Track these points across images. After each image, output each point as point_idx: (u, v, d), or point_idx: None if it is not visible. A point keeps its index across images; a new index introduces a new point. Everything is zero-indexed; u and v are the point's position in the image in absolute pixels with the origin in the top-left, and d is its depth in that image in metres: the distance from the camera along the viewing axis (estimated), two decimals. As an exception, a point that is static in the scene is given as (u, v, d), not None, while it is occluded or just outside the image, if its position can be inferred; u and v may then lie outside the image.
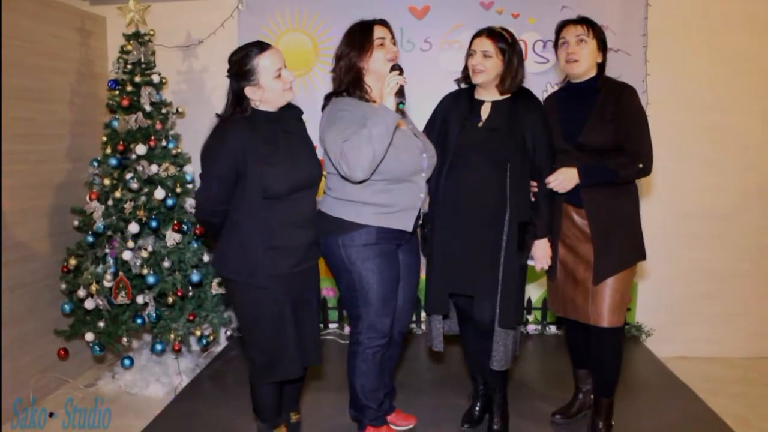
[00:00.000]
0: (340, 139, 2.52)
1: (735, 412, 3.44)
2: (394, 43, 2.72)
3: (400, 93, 2.53)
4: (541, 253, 2.79)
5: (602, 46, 2.80)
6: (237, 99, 2.47)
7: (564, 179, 2.72)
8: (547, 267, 2.82)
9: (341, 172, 2.55)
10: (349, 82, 2.68)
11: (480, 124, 2.80)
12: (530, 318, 4.49)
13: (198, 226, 3.79)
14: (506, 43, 2.72)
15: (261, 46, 2.46)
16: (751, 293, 4.41)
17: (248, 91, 2.45)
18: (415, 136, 2.75)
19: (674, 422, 3.13)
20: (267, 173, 2.41)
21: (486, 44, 2.72)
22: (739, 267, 4.39)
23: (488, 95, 2.83)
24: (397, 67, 2.56)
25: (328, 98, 2.73)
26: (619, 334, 2.83)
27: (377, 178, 2.60)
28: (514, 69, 2.73)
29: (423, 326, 4.41)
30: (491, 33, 2.73)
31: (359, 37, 2.67)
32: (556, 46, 2.86)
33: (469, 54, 2.78)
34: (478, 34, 2.77)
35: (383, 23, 2.71)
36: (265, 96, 2.47)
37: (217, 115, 2.53)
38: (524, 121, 2.72)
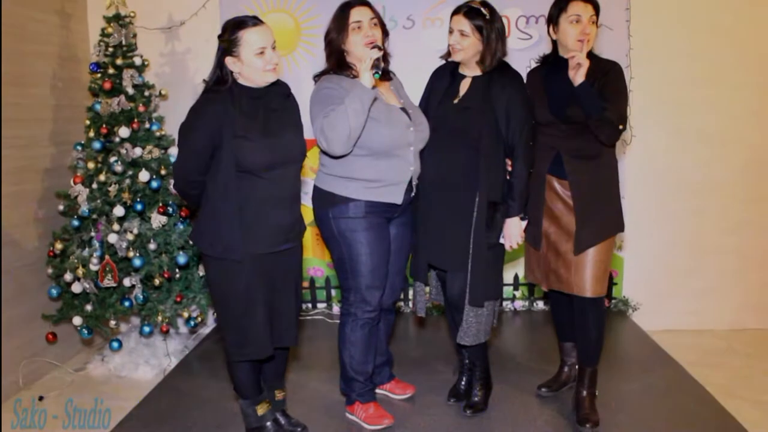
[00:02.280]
0: (321, 116, 2.60)
1: (718, 381, 3.48)
2: (378, 24, 2.74)
3: (376, 66, 2.56)
4: (510, 232, 2.80)
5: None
6: (220, 68, 2.47)
7: (578, 67, 2.63)
8: (516, 246, 2.83)
9: (322, 147, 2.65)
10: (333, 62, 2.77)
11: (455, 101, 2.82)
12: (518, 294, 4.52)
13: (183, 207, 3.79)
14: (483, 20, 2.69)
15: (255, 21, 2.47)
16: (736, 266, 4.45)
17: (228, 61, 2.45)
18: (403, 110, 2.78)
19: (657, 392, 3.18)
20: (242, 147, 2.41)
21: (462, 23, 2.71)
22: (724, 240, 4.43)
23: (469, 71, 2.85)
24: (376, 47, 2.61)
25: (317, 78, 2.80)
26: (601, 303, 2.87)
27: (361, 153, 2.67)
28: (493, 47, 2.72)
29: (411, 304, 4.44)
30: (468, 12, 2.71)
31: (338, 20, 2.73)
32: (556, 18, 2.78)
33: (449, 31, 2.78)
34: (455, 12, 2.76)
35: (364, 4, 2.74)
36: (244, 70, 2.46)
37: (204, 81, 2.54)
38: (497, 98, 2.72)
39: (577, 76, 2.64)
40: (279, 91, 2.61)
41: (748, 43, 4.27)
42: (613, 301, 4.44)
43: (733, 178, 4.37)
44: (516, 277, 4.48)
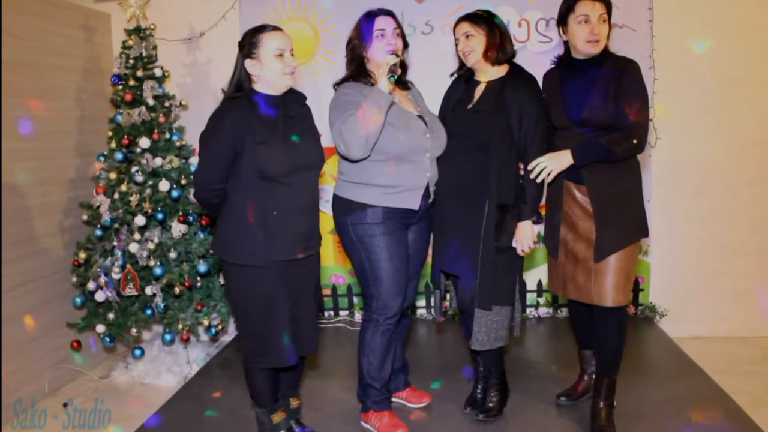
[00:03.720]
0: (339, 121, 2.66)
1: (747, 390, 3.38)
2: (399, 34, 2.79)
3: (392, 71, 2.62)
4: (522, 235, 2.76)
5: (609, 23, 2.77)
6: (239, 72, 2.52)
7: (554, 163, 2.66)
8: (528, 250, 2.78)
9: (340, 152, 2.70)
10: (353, 69, 2.81)
11: (469, 107, 2.84)
12: (541, 300, 4.46)
13: (203, 216, 3.83)
14: (483, 19, 2.76)
15: (274, 26, 2.55)
16: (766, 269, 4.32)
17: (248, 63, 2.51)
18: (420, 117, 2.81)
19: (680, 402, 3.08)
20: (263, 152, 2.44)
21: (464, 27, 2.78)
22: (755, 243, 4.30)
23: (484, 76, 2.85)
24: (393, 52, 2.69)
25: (336, 86, 2.85)
26: (622, 312, 2.79)
27: (378, 158, 2.71)
28: (497, 40, 2.75)
29: (433, 311, 4.42)
30: (466, 16, 2.80)
31: (361, 28, 2.78)
32: (565, 19, 2.74)
33: (456, 43, 2.84)
34: (456, 23, 2.83)
35: (389, 14, 2.79)
36: (263, 73, 2.50)
37: (223, 90, 2.60)
38: (510, 101, 2.71)
39: (561, 168, 2.67)
40: (295, 99, 2.66)
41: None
42: (639, 307, 4.35)
43: (762, 178, 4.24)
44: (540, 284, 4.42)
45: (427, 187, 2.81)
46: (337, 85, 2.85)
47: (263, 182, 2.47)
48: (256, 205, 2.48)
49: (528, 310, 4.44)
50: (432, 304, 4.37)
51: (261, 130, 2.45)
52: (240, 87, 2.52)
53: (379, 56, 2.73)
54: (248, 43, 2.51)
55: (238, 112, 2.46)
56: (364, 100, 2.62)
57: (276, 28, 2.55)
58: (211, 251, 3.73)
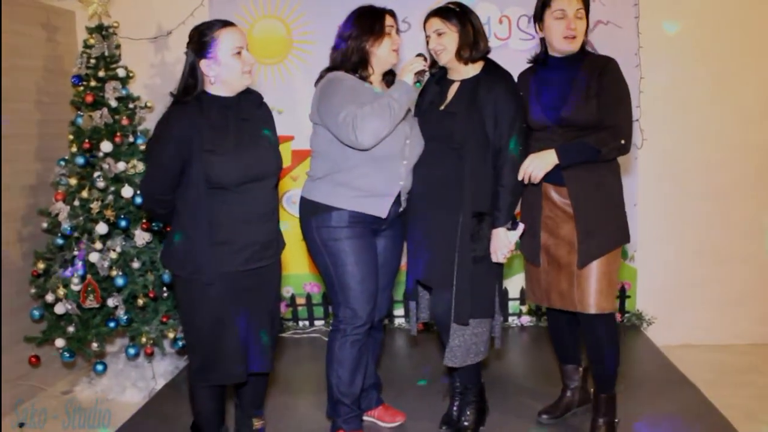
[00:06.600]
0: (352, 106, 2.50)
1: (738, 402, 3.24)
2: (398, 32, 2.71)
3: (419, 75, 2.60)
4: (496, 243, 2.60)
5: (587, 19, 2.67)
6: (191, 75, 2.35)
7: (539, 164, 2.52)
8: (503, 259, 2.63)
9: (346, 137, 2.51)
10: (356, 62, 2.65)
11: (441, 108, 2.69)
12: (524, 309, 4.32)
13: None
14: (455, 14, 2.61)
15: (225, 23, 2.38)
16: (759, 275, 4.18)
17: (203, 64, 2.33)
18: (403, 120, 2.67)
19: (666, 417, 2.94)
20: (211, 162, 2.28)
21: (435, 23, 2.63)
22: (744, 248, 4.17)
23: (457, 74, 2.71)
24: (421, 55, 2.62)
25: (326, 72, 2.70)
26: (610, 320, 2.67)
27: (355, 158, 2.57)
28: (470, 36, 2.60)
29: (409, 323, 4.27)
30: (437, 11, 2.65)
31: (371, 23, 2.64)
32: (541, 15, 2.65)
33: (426, 41, 2.70)
34: (426, 18, 2.68)
35: (391, 14, 2.72)
36: (222, 73, 2.34)
37: (171, 94, 2.42)
38: (484, 100, 2.56)
39: (546, 169, 2.53)
40: (251, 100, 2.49)
41: (764, 37, 4.01)
42: (626, 315, 4.21)
43: (751, 181, 4.12)
44: (523, 292, 4.27)
45: (399, 196, 2.68)
46: (327, 70, 2.69)
47: (214, 191, 2.32)
48: (206, 215, 2.32)
49: (510, 319, 4.30)
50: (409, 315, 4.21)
51: (210, 137, 2.29)
52: (189, 90, 2.34)
53: (385, 53, 2.64)
54: (202, 43, 2.33)
55: (185, 117, 2.29)
56: (394, 91, 2.53)
57: (228, 24, 2.38)
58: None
